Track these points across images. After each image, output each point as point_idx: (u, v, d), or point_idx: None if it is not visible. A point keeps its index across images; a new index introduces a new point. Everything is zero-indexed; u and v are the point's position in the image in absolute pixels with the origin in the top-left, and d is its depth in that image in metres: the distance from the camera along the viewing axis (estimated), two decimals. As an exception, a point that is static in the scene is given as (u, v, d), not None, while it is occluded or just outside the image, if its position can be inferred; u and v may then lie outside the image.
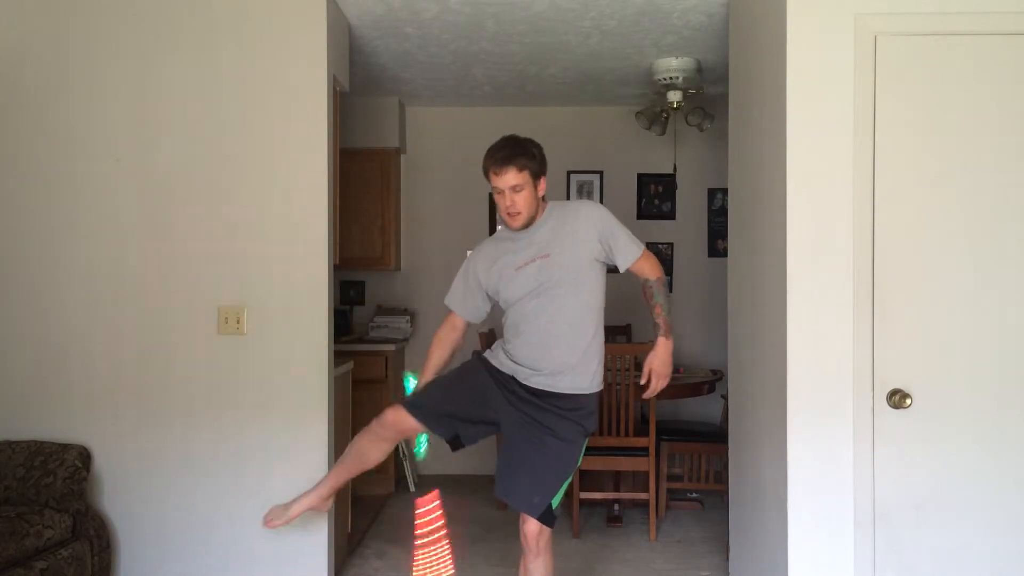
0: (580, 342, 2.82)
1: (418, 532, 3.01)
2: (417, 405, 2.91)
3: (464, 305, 3.02)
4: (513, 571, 3.79)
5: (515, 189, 2.75)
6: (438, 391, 2.94)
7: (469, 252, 3.07)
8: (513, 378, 2.86)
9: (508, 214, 2.80)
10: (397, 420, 2.91)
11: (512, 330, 2.88)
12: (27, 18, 3.52)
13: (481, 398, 2.89)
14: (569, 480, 2.88)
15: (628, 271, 2.88)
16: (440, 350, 3.05)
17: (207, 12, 3.50)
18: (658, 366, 2.83)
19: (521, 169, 2.75)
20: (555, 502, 2.82)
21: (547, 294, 2.80)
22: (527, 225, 2.82)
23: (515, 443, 2.86)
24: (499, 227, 3.05)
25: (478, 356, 2.98)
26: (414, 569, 3.02)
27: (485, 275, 2.92)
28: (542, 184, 2.83)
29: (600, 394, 4.29)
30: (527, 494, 2.81)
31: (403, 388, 2.97)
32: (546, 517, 2.81)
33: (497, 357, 2.91)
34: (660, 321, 2.84)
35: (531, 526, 2.81)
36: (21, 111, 3.52)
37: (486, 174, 2.81)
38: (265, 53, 3.50)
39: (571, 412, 2.85)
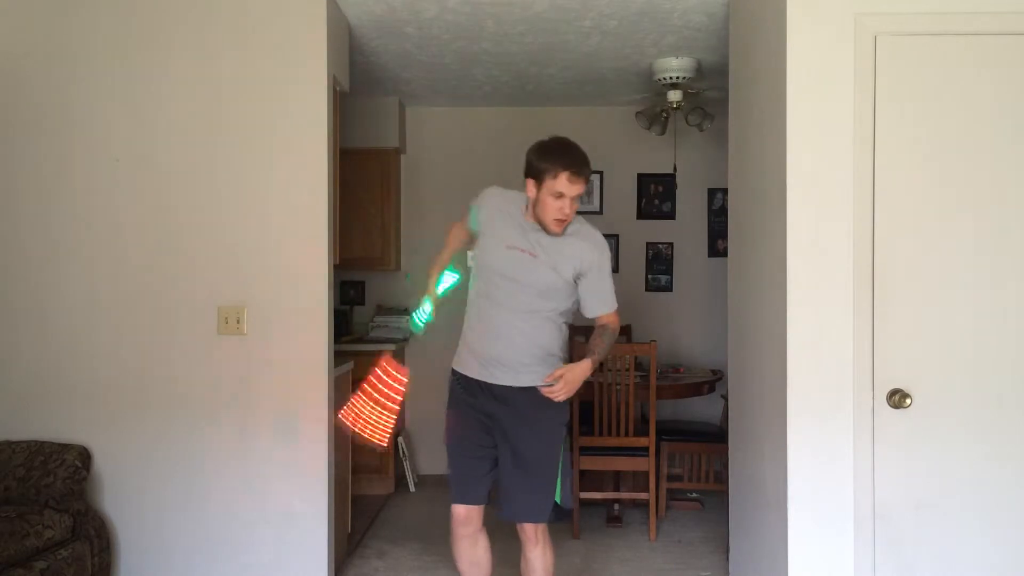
0: (530, 346, 2.86)
1: (376, 387, 2.84)
2: (463, 492, 2.95)
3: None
4: (512, 571, 3.79)
5: (576, 199, 2.77)
6: (461, 468, 2.96)
7: (484, 194, 3.00)
8: (477, 387, 2.90)
9: (557, 219, 2.77)
10: (462, 513, 2.96)
11: (475, 305, 2.94)
12: (27, 18, 3.51)
13: (481, 438, 2.93)
14: (560, 469, 2.94)
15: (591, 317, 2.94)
16: (456, 242, 3.13)
17: (207, 12, 3.50)
18: (571, 377, 2.79)
19: (587, 181, 2.79)
20: (558, 498, 2.89)
21: (517, 289, 2.84)
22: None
23: (502, 466, 2.92)
24: (512, 203, 2.93)
25: (452, 385, 3.00)
26: (355, 412, 2.85)
27: (485, 228, 2.93)
28: None
29: (600, 394, 4.37)
30: (531, 509, 2.89)
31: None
32: (558, 512, 2.93)
33: (459, 358, 2.97)
34: (596, 349, 2.88)
35: (528, 523, 2.91)
36: (21, 111, 3.52)
37: (552, 174, 2.73)
38: (265, 53, 3.50)
39: (534, 407, 2.87)
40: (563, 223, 2.79)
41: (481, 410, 2.92)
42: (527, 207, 2.86)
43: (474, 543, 3.00)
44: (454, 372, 3.01)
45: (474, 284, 2.96)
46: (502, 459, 2.92)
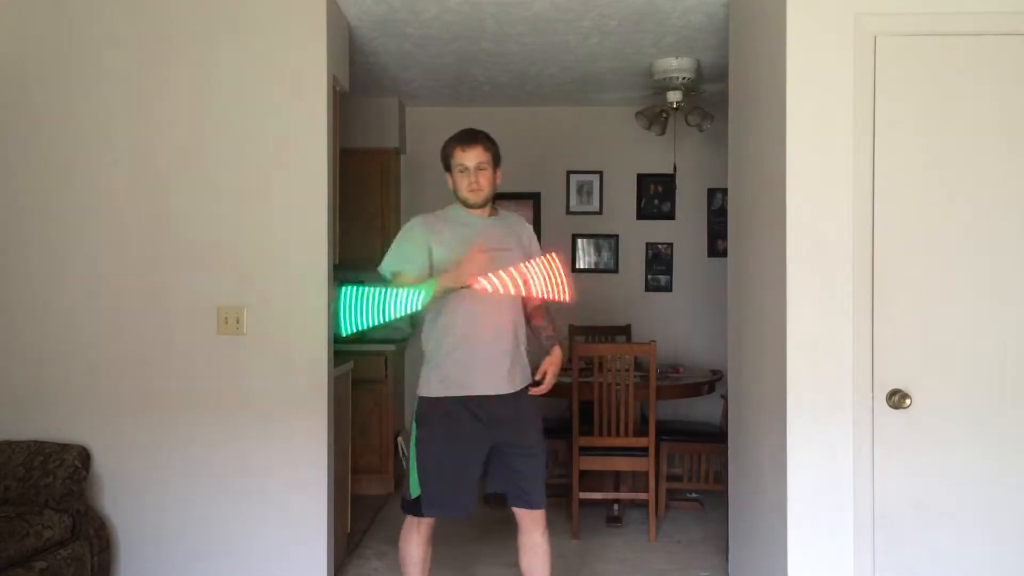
0: (514, 335, 2.98)
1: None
2: (444, 505, 2.98)
3: (413, 264, 2.93)
4: (511, 571, 3.79)
5: (480, 167, 2.94)
6: (448, 484, 2.95)
7: (411, 221, 3.06)
8: (464, 406, 2.92)
9: (471, 190, 2.95)
10: (428, 522, 3.05)
11: (452, 321, 2.92)
12: (27, 19, 3.51)
13: (475, 455, 2.96)
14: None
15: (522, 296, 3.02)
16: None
17: (207, 12, 3.50)
18: (556, 370, 3.05)
19: (486, 150, 2.97)
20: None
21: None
22: (484, 204, 2.98)
23: (515, 457, 2.99)
24: (442, 218, 3.08)
25: (423, 416, 2.97)
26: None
27: (438, 250, 2.92)
28: (499, 174, 3.04)
29: (600, 394, 4.37)
30: (541, 491, 3.03)
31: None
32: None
33: (434, 383, 2.95)
34: (553, 333, 3.14)
35: (539, 510, 3.02)
36: (21, 112, 3.52)
37: (449, 156, 3.00)
38: (265, 53, 3.50)
39: (524, 406, 3.02)
40: (478, 192, 2.95)
41: (478, 423, 2.94)
42: (456, 204, 3.03)
43: (429, 541, 3.11)
44: (431, 399, 2.96)
45: (448, 311, 2.93)
46: (510, 458, 2.98)
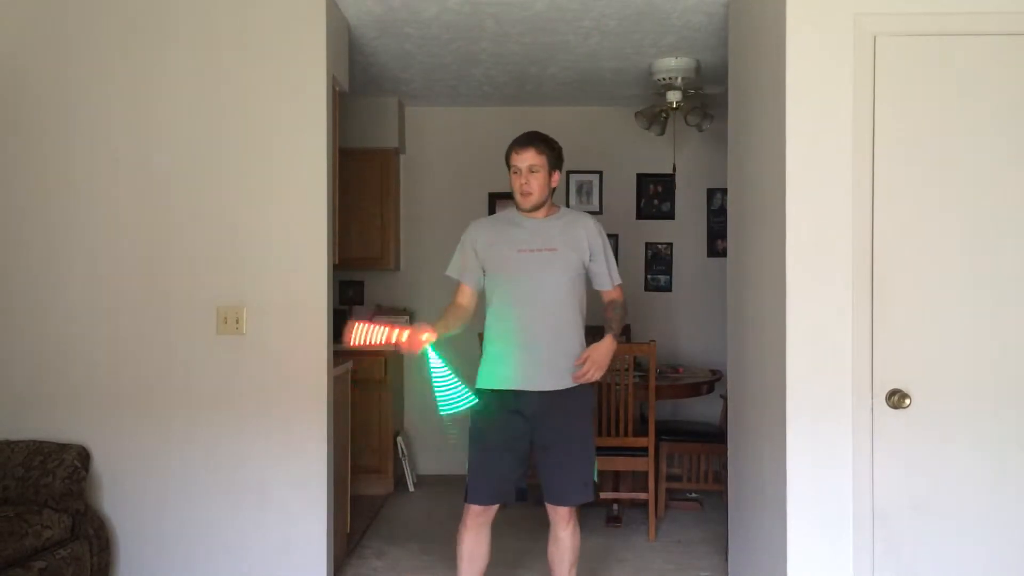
0: (555, 334, 3.04)
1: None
2: (484, 492, 3.05)
3: (466, 275, 3.15)
4: (512, 571, 3.80)
5: (531, 169, 3.01)
6: (486, 471, 3.05)
7: (468, 226, 3.19)
8: (503, 400, 3.02)
9: (521, 193, 3.03)
10: (482, 511, 3.08)
11: (497, 317, 3.07)
12: (27, 18, 3.51)
13: (513, 446, 3.04)
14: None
15: (599, 292, 3.19)
16: (449, 323, 3.08)
17: (207, 12, 3.50)
18: (597, 356, 3.04)
19: (540, 153, 3.03)
20: (595, 475, 3.12)
21: (543, 285, 3.02)
22: (536, 208, 3.06)
23: (546, 452, 3.07)
24: (498, 219, 3.28)
25: (477, 400, 3.06)
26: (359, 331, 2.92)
27: (485, 251, 3.09)
28: (555, 177, 3.09)
29: (600, 394, 4.37)
30: (580, 489, 3.08)
31: (424, 360, 2.95)
32: (594, 492, 3.13)
33: (481, 376, 3.09)
34: (612, 323, 3.14)
35: (561, 507, 3.10)
36: (21, 111, 3.51)
37: (508, 158, 3.06)
38: (264, 53, 3.50)
39: (566, 405, 3.06)
40: (527, 196, 3.03)
41: (517, 416, 3.03)
42: (513, 205, 3.13)
43: (482, 535, 3.11)
44: (478, 391, 3.06)
45: (494, 308, 3.09)
46: (542, 453, 3.07)
